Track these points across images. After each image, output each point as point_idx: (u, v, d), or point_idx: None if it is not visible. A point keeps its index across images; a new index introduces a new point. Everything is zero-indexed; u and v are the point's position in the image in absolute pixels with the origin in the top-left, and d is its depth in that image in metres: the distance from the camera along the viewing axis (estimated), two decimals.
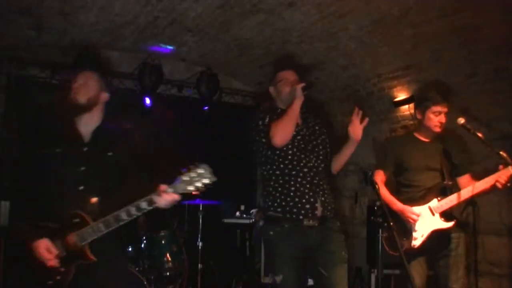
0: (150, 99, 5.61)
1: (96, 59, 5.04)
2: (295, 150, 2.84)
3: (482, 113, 4.19)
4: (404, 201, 3.25)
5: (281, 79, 3.06)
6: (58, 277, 2.30)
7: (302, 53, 4.99)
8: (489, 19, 3.61)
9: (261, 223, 5.86)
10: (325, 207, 2.83)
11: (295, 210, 2.77)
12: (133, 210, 2.26)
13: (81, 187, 2.37)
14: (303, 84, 2.86)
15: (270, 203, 2.86)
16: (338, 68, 5.17)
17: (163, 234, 4.49)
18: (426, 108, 3.28)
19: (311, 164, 2.87)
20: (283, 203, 2.80)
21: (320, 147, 2.97)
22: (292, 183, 2.82)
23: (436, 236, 3.18)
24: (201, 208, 4.89)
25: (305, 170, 2.83)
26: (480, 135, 3.22)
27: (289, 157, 2.83)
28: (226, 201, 5.54)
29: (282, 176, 2.83)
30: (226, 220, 5.61)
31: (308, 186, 2.81)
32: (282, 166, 2.83)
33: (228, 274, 5.37)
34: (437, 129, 3.27)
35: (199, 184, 2.15)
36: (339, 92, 5.62)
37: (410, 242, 3.18)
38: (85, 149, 2.41)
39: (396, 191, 3.37)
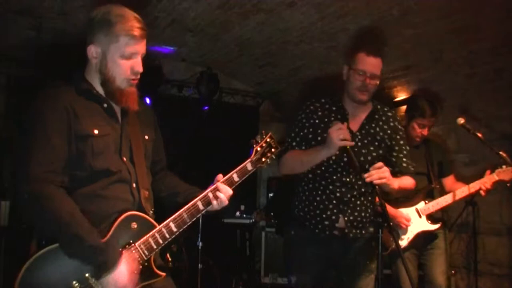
0: (150, 99, 5.61)
1: None
2: (332, 161, 2.53)
3: (482, 113, 4.20)
4: (391, 203, 3.30)
5: (358, 68, 2.51)
6: None
7: (302, 53, 4.99)
8: (489, 19, 3.61)
9: (261, 223, 5.89)
10: (351, 226, 2.54)
11: (313, 221, 2.58)
12: (200, 204, 1.90)
13: (132, 178, 1.83)
14: (350, 143, 2.31)
15: (296, 203, 2.71)
16: (338, 68, 5.16)
17: None
18: (412, 117, 3.34)
19: (346, 180, 2.54)
20: (306, 209, 2.63)
21: (367, 166, 2.39)
22: (319, 192, 2.58)
23: (422, 235, 3.28)
24: None
25: (337, 184, 2.54)
26: (479, 135, 3.25)
27: (324, 166, 2.55)
28: None
29: (312, 182, 2.61)
30: (226, 220, 5.61)
31: (334, 202, 2.54)
32: (316, 172, 2.58)
33: (228, 274, 5.37)
34: (417, 139, 3.35)
35: (270, 155, 2.09)
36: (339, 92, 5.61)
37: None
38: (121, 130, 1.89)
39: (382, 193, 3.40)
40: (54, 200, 1.61)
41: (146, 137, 1.97)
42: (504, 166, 3.17)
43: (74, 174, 1.71)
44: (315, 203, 2.59)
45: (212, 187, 1.92)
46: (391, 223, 3.19)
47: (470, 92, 4.31)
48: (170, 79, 5.90)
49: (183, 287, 4.67)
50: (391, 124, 2.63)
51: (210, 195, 1.90)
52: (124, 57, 1.77)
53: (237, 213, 5.73)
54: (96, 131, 1.74)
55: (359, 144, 2.55)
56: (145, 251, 1.74)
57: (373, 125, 2.61)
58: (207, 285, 4.89)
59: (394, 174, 2.51)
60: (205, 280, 4.78)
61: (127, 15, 1.81)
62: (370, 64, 2.50)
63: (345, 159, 2.51)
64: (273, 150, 2.09)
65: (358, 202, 2.58)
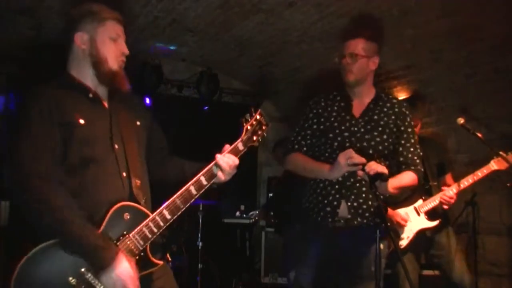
0: (150, 99, 5.62)
1: None
2: (336, 144, 2.50)
3: (482, 113, 4.19)
4: (390, 204, 3.30)
5: (339, 54, 2.59)
6: None
7: (302, 53, 4.99)
8: (489, 19, 3.61)
9: (261, 223, 5.87)
10: (355, 213, 2.45)
11: (316, 209, 2.53)
12: (193, 189, 1.85)
13: (121, 168, 1.81)
14: (358, 167, 2.22)
15: (306, 195, 2.65)
16: (338, 68, 5.16)
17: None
18: None
19: None
20: (310, 198, 2.58)
21: (371, 151, 2.45)
22: (323, 179, 2.51)
23: (422, 234, 3.28)
24: (201, 208, 4.89)
25: None
26: (480, 135, 3.26)
27: (327, 152, 2.52)
28: (226, 201, 5.54)
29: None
30: (226, 220, 5.61)
31: (336, 186, 2.48)
32: (320, 159, 2.53)
33: (228, 274, 5.37)
34: None
35: (260, 133, 2.06)
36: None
37: (397, 242, 3.26)
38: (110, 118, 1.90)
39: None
40: (51, 198, 1.62)
41: (138, 123, 1.97)
42: (498, 158, 3.18)
43: (62, 164, 1.71)
44: (318, 190, 2.54)
45: (214, 161, 1.91)
46: (389, 224, 3.24)
47: (470, 92, 4.31)
48: (170, 79, 5.90)
49: (183, 287, 4.67)
50: (396, 109, 2.56)
51: (214, 168, 1.89)
52: (112, 39, 1.85)
53: (237, 213, 5.73)
54: (81, 121, 1.75)
55: (362, 130, 2.51)
56: (140, 241, 1.73)
57: (377, 111, 2.56)
58: (207, 285, 4.90)
59: (399, 166, 2.48)
60: (205, 280, 4.78)
61: (105, 7, 1.89)
62: (347, 46, 2.56)
63: (347, 144, 2.47)
64: (263, 127, 2.07)
65: (364, 189, 2.48)
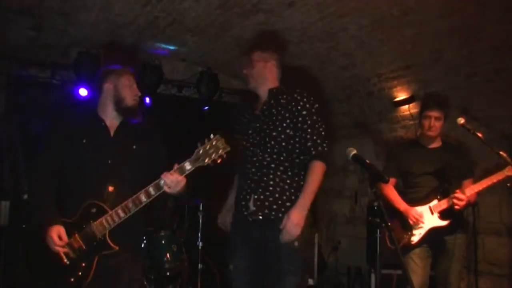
0: (150, 99, 5.61)
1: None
2: (245, 143, 2.75)
3: (482, 113, 4.20)
4: (409, 201, 3.40)
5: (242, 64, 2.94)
6: (80, 273, 2.35)
7: (302, 53, 4.99)
8: (489, 19, 3.62)
9: None
10: (262, 206, 2.59)
11: (235, 203, 2.80)
12: (143, 196, 2.36)
13: (101, 178, 2.47)
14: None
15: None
16: (338, 68, 5.17)
17: (163, 234, 4.50)
18: (420, 114, 3.46)
19: (253, 159, 2.66)
20: (236, 193, 2.84)
21: (272, 142, 2.64)
22: (239, 176, 2.83)
23: (434, 232, 3.30)
24: (201, 208, 4.89)
25: (248, 166, 2.67)
26: (480, 135, 3.27)
27: (240, 148, 2.79)
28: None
29: (240, 168, 2.81)
30: None
31: (248, 181, 2.67)
32: (241, 157, 2.78)
33: (228, 274, 5.36)
34: (429, 133, 3.40)
35: (215, 156, 2.25)
36: (339, 92, 5.62)
37: (410, 237, 3.33)
38: (111, 142, 2.55)
39: (402, 193, 3.49)
40: (40, 193, 2.49)
41: (134, 147, 2.56)
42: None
43: (66, 173, 2.49)
44: (238, 187, 2.80)
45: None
46: (401, 218, 3.34)
47: (470, 92, 4.32)
48: (170, 79, 5.90)
49: (183, 287, 4.67)
50: (295, 96, 2.70)
51: (161, 182, 2.34)
52: (128, 86, 2.62)
53: None
54: (84, 141, 2.49)
55: (262, 124, 2.72)
56: (100, 229, 2.38)
57: (275, 105, 2.73)
58: (207, 285, 4.89)
59: (304, 153, 2.65)
60: (205, 280, 4.78)
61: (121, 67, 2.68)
62: (246, 60, 2.88)
63: (251, 139, 2.72)
64: (220, 151, 2.25)
65: (271, 182, 2.62)
